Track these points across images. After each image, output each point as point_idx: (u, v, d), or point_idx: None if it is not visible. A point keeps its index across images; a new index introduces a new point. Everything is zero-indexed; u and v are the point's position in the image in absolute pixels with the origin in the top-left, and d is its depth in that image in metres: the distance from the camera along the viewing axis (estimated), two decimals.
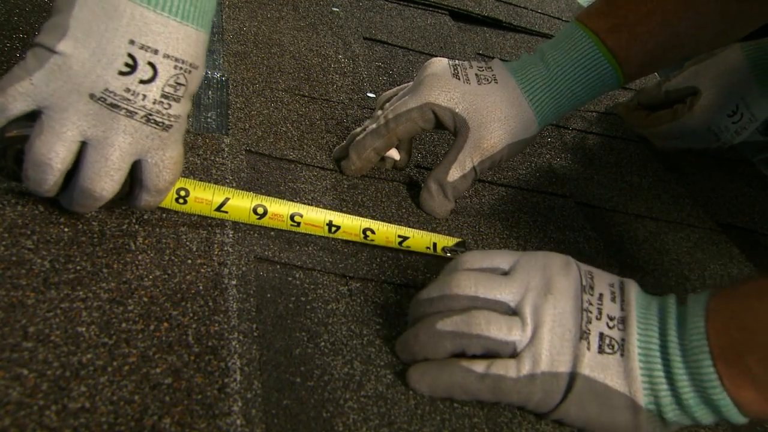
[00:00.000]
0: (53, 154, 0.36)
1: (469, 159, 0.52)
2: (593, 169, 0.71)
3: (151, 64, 0.37)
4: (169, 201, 0.44)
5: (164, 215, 0.44)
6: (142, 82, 0.37)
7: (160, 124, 0.38)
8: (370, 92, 0.68)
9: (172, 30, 0.37)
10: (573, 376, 0.37)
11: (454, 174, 0.52)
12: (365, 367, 0.39)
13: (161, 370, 0.35)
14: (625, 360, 0.38)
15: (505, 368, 0.38)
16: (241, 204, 0.45)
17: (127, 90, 0.36)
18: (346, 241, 0.48)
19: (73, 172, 0.38)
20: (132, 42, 0.36)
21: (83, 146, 0.37)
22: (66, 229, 0.40)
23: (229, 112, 0.57)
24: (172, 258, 0.41)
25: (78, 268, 0.38)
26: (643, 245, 0.61)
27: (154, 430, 0.32)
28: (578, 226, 0.60)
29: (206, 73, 0.61)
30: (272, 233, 0.46)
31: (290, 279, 0.44)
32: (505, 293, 0.39)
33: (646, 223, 0.64)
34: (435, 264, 0.49)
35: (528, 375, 0.37)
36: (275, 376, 0.37)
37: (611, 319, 0.39)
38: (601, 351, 0.38)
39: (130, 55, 0.36)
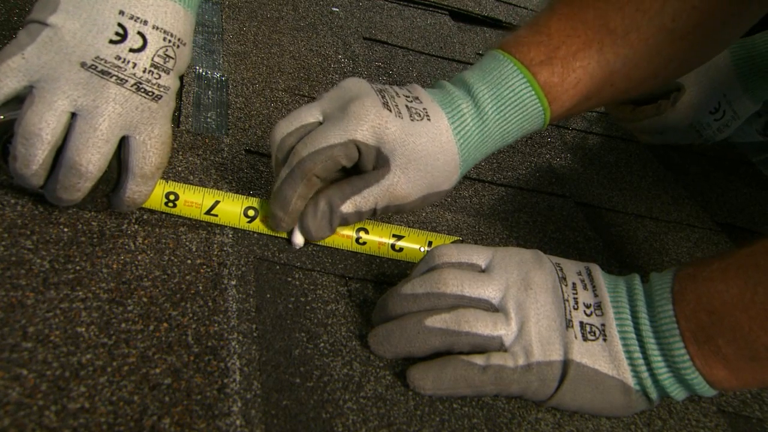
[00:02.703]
0: (44, 124, 0.37)
1: (374, 199, 0.43)
2: (593, 169, 0.71)
3: (141, 34, 0.38)
4: (158, 204, 0.44)
5: (164, 215, 0.44)
6: (132, 50, 0.38)
7: (150, 94, 0.39)
8: None
9: (160, 3, 0.38)
10: (566, 364, 0.39)
11: (350, 207, 0.43)
12: (364, 368, 0.39)
13: (161, 370, 0.35)
14: (609, 345, 0.39)
15: (503, 359, 0.39)
16: (231, 208, 0.45)
17: (118, 57, 0.37)
18: None
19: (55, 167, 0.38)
20: (122, 13, 0.37)
21: (73, 119, 0.38)
22: (66, 229, 0.40)
23: (229, 112, 0.57)
24: (172, 258, 0.41)
25: (77, 268, 0.38)
26: (643, 245, 0.61)
27: (154, 431, 0.32)
28: (578, 226, 0.60)
29: (206, 73, 0.61)
30: (272, 233, 0.46)
31: (290, 279, 0.44)
32: (489, 291, 0.40)
33: (646, 223, 0.64)
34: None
35: (524, 365, 0.38)
36: (275, 376, 0.37)
37: (587, 306, 0.40)
38: (585, 339, 0.39)
39: (120, 25, 0.37)
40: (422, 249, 0.48)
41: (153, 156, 0.40)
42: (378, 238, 0.47)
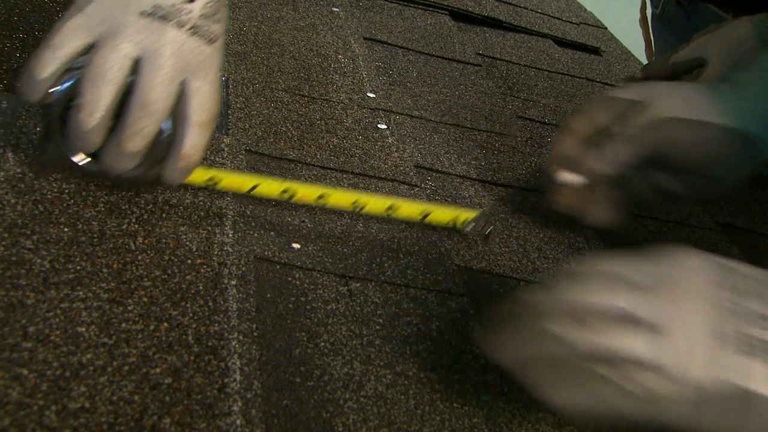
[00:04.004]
0: (109, 64, 0.39)
1: (632, 126, 0.49)
2: None
3: None
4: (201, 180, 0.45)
5: (164, 215, 0.44)
6: (184, 1, 0.41)
7: (205, 37, 0.42)
8: (370, 92, 0.68)
9: None
10: (737, 390, 0.32)
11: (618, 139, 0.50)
12: (365, 367, 0.39)
13: (161, 370, 0.35)
14: None
15: (654, 381, 0.33)
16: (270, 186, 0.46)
17: (173, 5, 0.41)
18: (345, 242, 0.48)
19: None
20: None
21: (138, 65, 0.40)
22: (66, 229, 0.40)
23: (229, 112, 0.57)
24: (172, 258, 0.41)
25: (78, 268, 0.38)
26: (643, 245, 0.60)
27: (154, 430, 0.32)
28: (578, 226, 0.60)
29: None
30: (272, 233, 0.46)
31: (290, 279, 0.44)
32: (643, 307, 0.34)
33: (646, 223, 0.64)
34: (435, 263, 0.49)
35: (679, 388, 0.32)
36: (275, 376, 0.37)
37: (765, 319, 0.33)
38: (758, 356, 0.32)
39: None
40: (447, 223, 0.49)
41: (210, 102, 0.42)
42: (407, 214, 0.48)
